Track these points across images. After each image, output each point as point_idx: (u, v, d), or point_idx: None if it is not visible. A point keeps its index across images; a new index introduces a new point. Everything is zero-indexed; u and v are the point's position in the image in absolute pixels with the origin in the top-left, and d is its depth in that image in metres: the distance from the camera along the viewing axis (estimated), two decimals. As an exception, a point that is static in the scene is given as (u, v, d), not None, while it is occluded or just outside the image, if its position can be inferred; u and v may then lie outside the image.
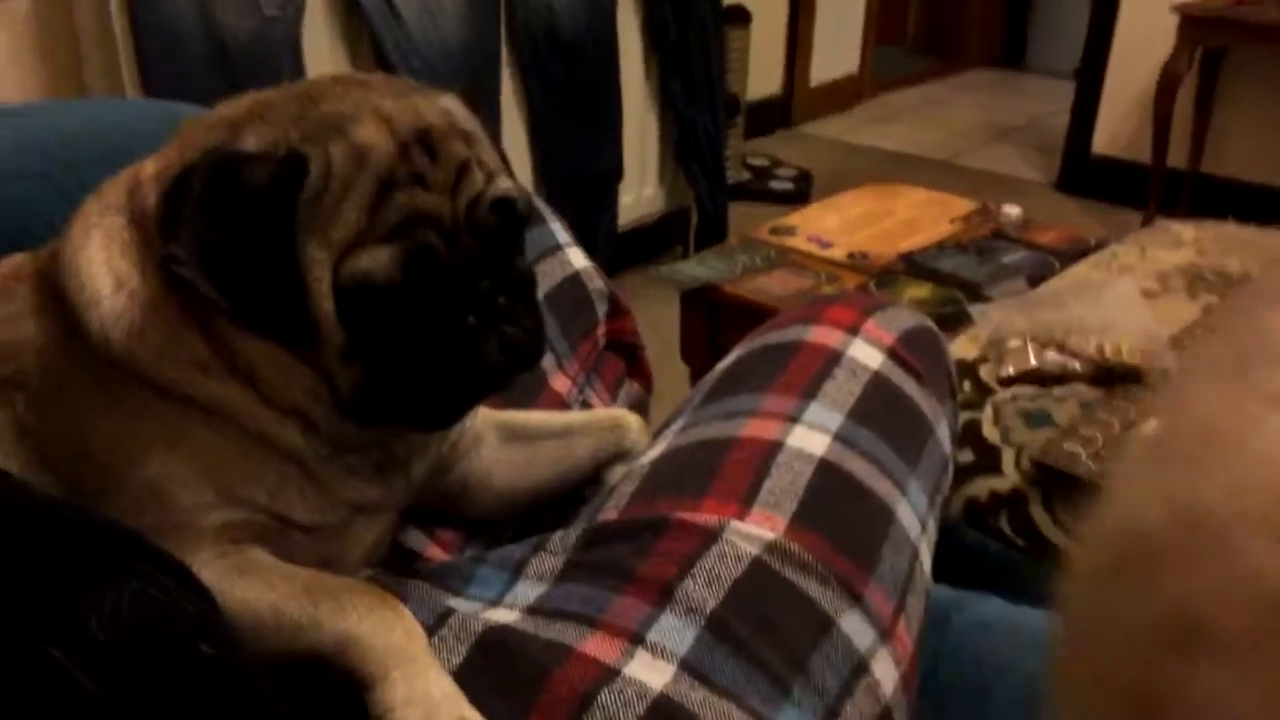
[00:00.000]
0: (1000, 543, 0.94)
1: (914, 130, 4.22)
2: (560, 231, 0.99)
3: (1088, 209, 3.34)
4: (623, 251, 2.56)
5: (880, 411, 0.73)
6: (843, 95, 4.32)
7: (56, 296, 0.57)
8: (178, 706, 0.42)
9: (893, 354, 0.77)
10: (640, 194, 2.66)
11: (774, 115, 3.98)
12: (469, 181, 0.56)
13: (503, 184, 0.58)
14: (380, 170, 0.53)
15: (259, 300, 0.53)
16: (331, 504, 0.61)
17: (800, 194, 3.33)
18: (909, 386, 0.76)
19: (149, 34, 1.64)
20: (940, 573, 0.74)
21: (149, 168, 0.59)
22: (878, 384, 0.75)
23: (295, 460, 0.58)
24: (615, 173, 2.50)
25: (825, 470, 0.67)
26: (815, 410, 0.71)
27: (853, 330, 0.78)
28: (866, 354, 0.76)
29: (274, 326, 0.54)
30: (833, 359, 0.75)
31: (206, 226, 0.52)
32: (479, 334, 0.57)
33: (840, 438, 0.70)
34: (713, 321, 1.58)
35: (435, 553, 0.74)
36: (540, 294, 0.93)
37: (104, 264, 0.56)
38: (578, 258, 0.97)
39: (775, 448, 0.68)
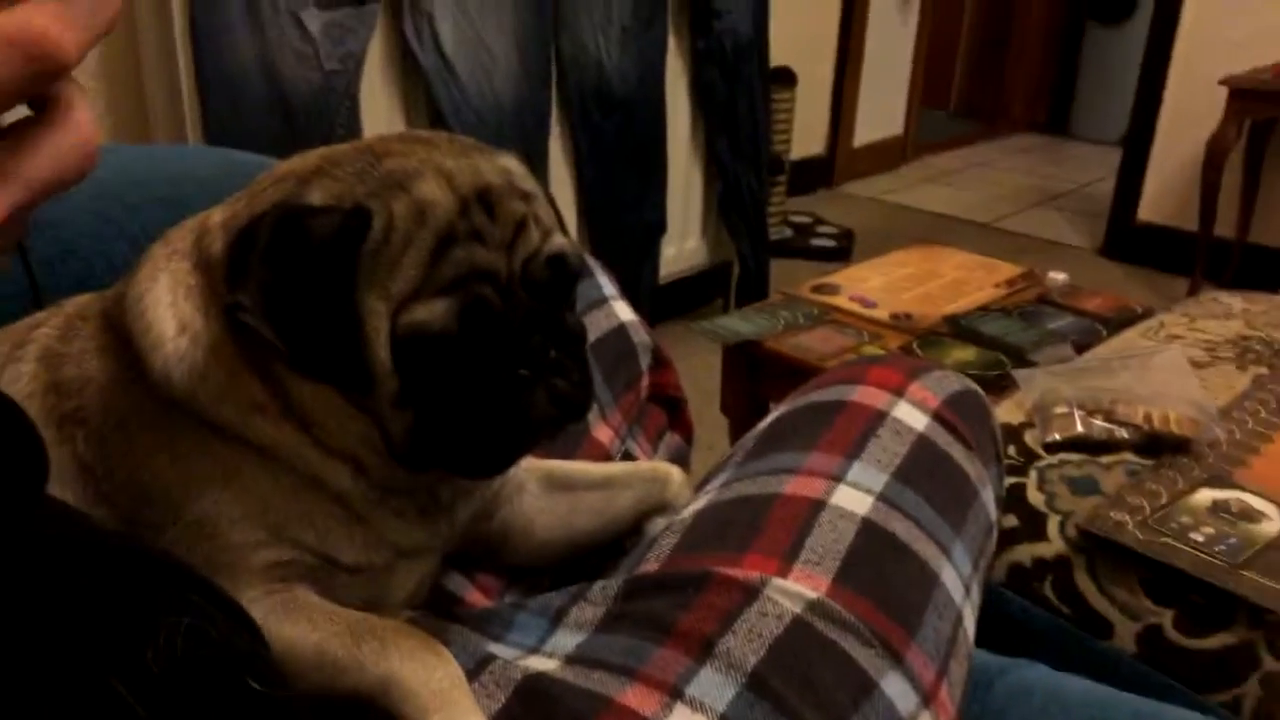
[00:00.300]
0: (1045, 609, 0.93)
1: (957, 192, 4.23)
2: (607, 284, 1.00)
3: (1132, 275, 3.33)
4: (664, 303, 2.58)
5: (924, 474, 0.73)
6: (886, 156, 4.35)
7: (121, 337, 0.59)
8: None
9: (938, 417, 0.77)
10: (683, 247, 2.69)
11: (817, 174, 4.02)
12: (525, 238, 0.57)
13: (557, 241, 0.59)
14: (440, 226, 0.55)
15: (318, 347, 0.54)
16: (377, 546, 0.61)
17: (842, 252, 3.35)
18: (954, 450, 0.76)
19: (213, 85, 1.69)
20: (983, 638, 0.73)
21: (216, 216, 0.60)
22: (922, 446, 0.74)
23: (344, 503, 0.59)
24: (659, 226, 2.53)
25: (868, 530, 0.67)
26: (859, 470, 0.71)
27: (898, 392, 0.78)
28: (911, 416, 0.76)
29: (331, 373, 0.56)
30: (877, 420, 0.75)
31: (270, 274, 0.53)
32: (529, 386, 0.57)
33: (884, 498, 0.69)
34: (753, 376, 1.58)
35: (475, 597, 0.74)
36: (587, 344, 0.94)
37: (169, 307, 0.58)
38: (623, 310, 0.99)
39: (818, 506, 0.67)
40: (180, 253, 0.60)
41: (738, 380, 1.60)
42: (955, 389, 0.81)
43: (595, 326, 0.95)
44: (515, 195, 0.58)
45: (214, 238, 0.59)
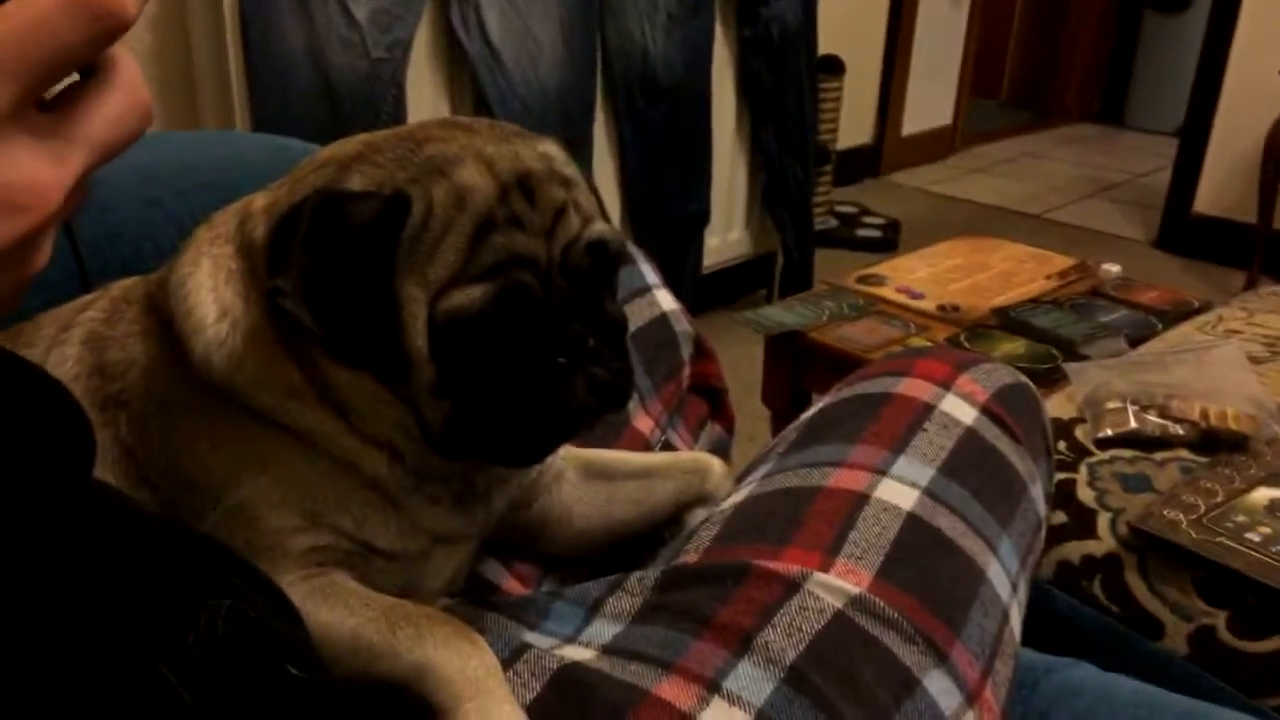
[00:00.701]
0: (1093, 608, 0.91)
1: (1007, 183, 4.17)
2: (650, 273, 0.99)
3: (1187, 268, 3.26)
4: (707, 293, 2.57)
5: (972, 468, 0.71)
6: (935, 146, 4.29)
7: (163, 320, 0.59)
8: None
9: (987, 410, 0.75)
10: (726, 238, 2.67)
11: (864, 164, 3.97)
12: (565, 225, 0.57)
13: (598, 227, 0.59)
14: (479, 212, 0.54)
15: (355, 333, 0.54)
16: (413, 532, 0.61)
17: (888, 243, 3.31)
18: (1003, 444, 0.74)
19: (261, 72, 1.71)
20: (1030, 636, 0.72)
21: (259, 201, 0.61)
22: (970, 440, 0.73)
23: (380, 489, 0.59)
24: (703, 216, 2.52)
25: (913, 525, 0.65)
26: (904, 464, 0.69)
27: (945, 385, 0.76)
28: (959, 409, 0.75)
29: (368, 359, 0.55)
30: (924, 412, 0.74)
31: (310, 260, 0.53)
32: (568, 374, 0.57)
33: (929, 493, 0.68)
34: (796, 367, 1.57)
35: (512, 585, 0.74)
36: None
37: (210, 291, 0.58)
38: (666, 299, 0.98)
39: (862, 500, 0.66)
40: (223, 237, 0.60)
41: (780, 371, 1.59)
42: (1005, 382, 0.79)
43: (637, 315, 0.95)
44: (556, 181, 0.58)
45: (256, 222, 0.59)
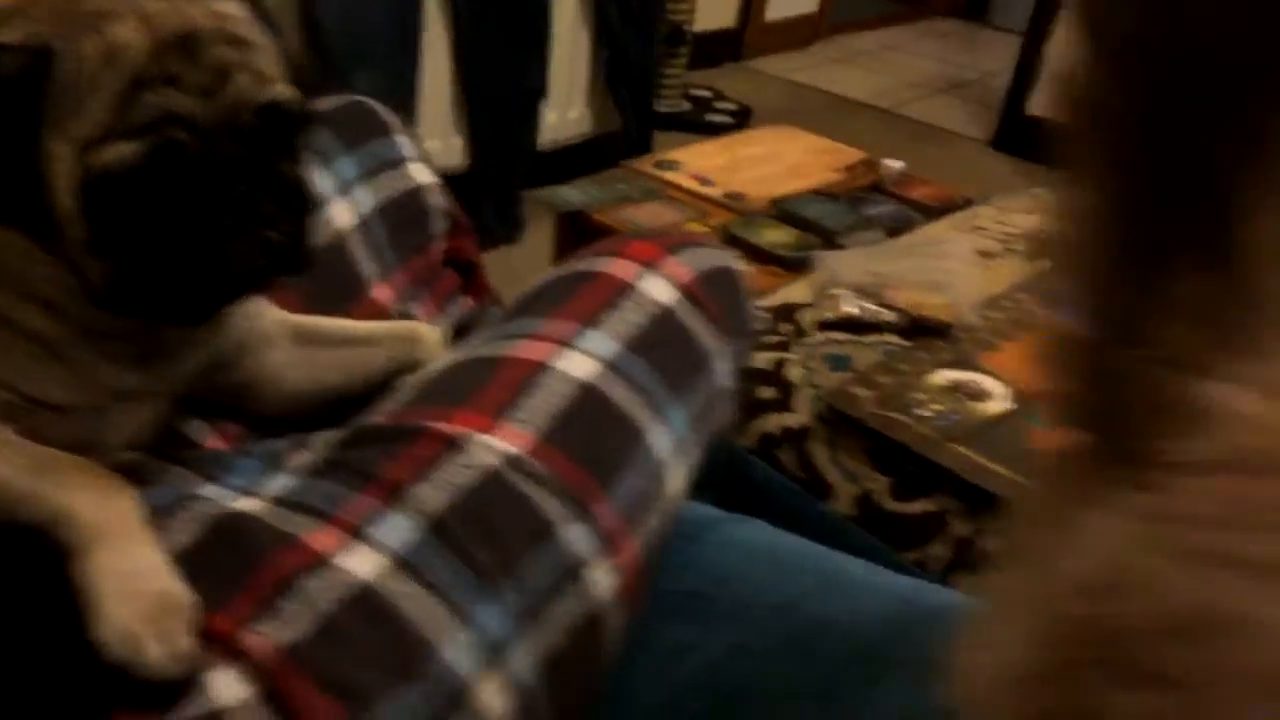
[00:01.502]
0: (784, 475, 1.00)
1: (865, 75, 4.22)
2: (406, 145, 1.00)
3: (1018, 169, 3.37)
4: (547, 170, 2.56)
5: (658, 344, 0.76)
6: (798, 34, 4.30)
7: None
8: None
9: (686, 291, 0.80)
10: (566, 115, 2.66)
11: (725, 47, 3.96)
12: (232, 86, 0.58)
13: (274, 90, 0.60)
14: (130, 69, 0.55)
15: None
16: (85, 387, 0.63)
17: (737, 128, 3.34)
18: (694, 323, 0.79)
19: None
20: (727, 499, 0.79)
21: None
22: (663, 318, 0.78)
23: (41, 342, 0.61)
24: (539, 91, 2.50)
25: (586, 394, 0.70)
26: (592, 337, 0.74)
27: (649, 265, 0.81)
28: (658, 288, 0.79)
29: (12, 215, 0.57)
30: (622, 291, 0.78)
31: None
32: (234, 235, 0.59)
33: (612, 366, 0.73)
34: (583, 247, 1.60)
35: (216, 444, 0.76)
36: (374, 204, 0.95)
37: None
38: (421, 173, 0.99)
39: (540, 369, 0.71)
40: None
41: (568, 249, 1.62)
42: (711, 264, 0.84)
43: (387, 187, 0.96)
44: (223, 41, 0.58)
45: None
